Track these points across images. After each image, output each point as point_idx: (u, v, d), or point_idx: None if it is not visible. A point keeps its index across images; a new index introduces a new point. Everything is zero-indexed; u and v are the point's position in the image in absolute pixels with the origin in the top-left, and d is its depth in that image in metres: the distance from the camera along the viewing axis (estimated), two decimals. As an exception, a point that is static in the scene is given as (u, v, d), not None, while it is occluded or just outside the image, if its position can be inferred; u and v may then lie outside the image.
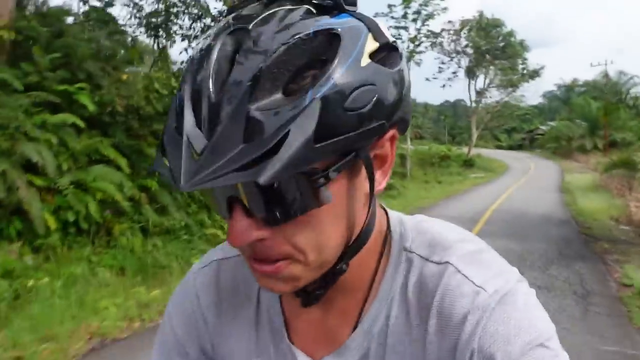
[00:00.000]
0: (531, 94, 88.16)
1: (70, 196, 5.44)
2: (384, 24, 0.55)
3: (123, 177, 6.04)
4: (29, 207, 5.01)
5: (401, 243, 0.65)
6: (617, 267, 6.32)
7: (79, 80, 6.36)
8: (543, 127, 51.29)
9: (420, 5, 20.99)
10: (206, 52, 0.51)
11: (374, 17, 0.56)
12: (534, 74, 30.46)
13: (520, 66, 29.90)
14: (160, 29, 10.04)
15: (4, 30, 5.91)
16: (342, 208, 0.54)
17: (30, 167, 5.23)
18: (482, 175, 25.43)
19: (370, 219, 0.61)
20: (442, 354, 0.59)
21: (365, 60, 0.51)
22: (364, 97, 0.49)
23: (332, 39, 0.49)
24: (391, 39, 0.55)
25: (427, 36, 21.47)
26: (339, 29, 0.50)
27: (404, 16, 21.41)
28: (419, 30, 21.84)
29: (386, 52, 0.54)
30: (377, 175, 0.57)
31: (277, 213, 0.50)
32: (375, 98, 0.50)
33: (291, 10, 0.51)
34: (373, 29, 0.54)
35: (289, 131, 0.45)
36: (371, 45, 0.52)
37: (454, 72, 29.56)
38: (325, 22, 0.51)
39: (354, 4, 0.54)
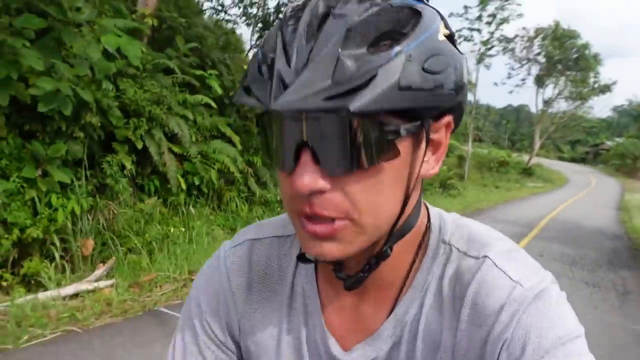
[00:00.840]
0: (600, 107, 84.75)
1: (198, 164, 6.58)
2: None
3: (236, 152, 7.15)
4: (168, 170, 6.17)
5: (440, 236, 0.66)
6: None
7: (206, 66, 7.55)
8: (609, 143, 49.88)
9: (497, 8, 21.08)
10: (299, 10, 0.54)
11: (449, 17, 0.57)
12: (606, 88, 29.92)
13: (592, 79, 29.49)
14: (258, 18, 11.10)
15: (149, 17, 7.08)
16: (402, 174, 0.56)
17: (170, 137, 6.40)
18: (540, 185, 25.54)
19: (417, 206, 0.63)
20: (472, 343, 0.59)
21: (441, 36, 0.54)
22: (440, 64, 0.52)
23: (414, 13, 0.53)
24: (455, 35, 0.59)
25: (499, 40, 21.53)
26: (421, 8, 0.54)
27: (479, 18, 21.53)
28: (492, 33, 21.96)
29: (452, 40, 0.57)
30: (431, 159, 0.60)
31: (346, 162, 0.51)
32: (447, 67, 0.53)
33: None
34: (444, 19, 0.58)
35: (376, 74, 0.48)
36: (443, 29, 0.56)
37: (523, 79, 29.96)
38: (409, 1, 0.54)
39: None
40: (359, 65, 0.48)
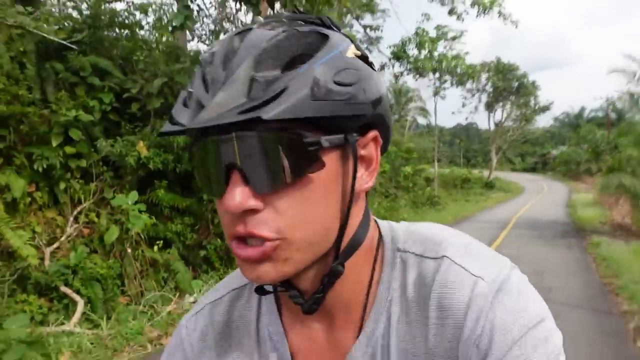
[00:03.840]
0: (544, 119, 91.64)
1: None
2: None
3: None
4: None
5: (394, 245, 0.66)
6: (590, 239, 11.35)
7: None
8: (554, 152, 54.23)
9: (445, 48, 24.28)
10: (214, 48, 0.57)
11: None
12: (545, 108, 35.74)
13: (532, 102, 35.05)
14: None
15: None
16: (332, 188, 0.56)
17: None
18: (502, 195, 29.26)
19: (364, 220, 0.63)
20: (445, 344, 0.60)
21: (350, 54, 0.57)
22: (350, 77, 0.54)
23: (322, 37, 0.56)
24: (369, 57, 0.61)
25: (451, 75, 24.78)
26: (329, 32, 0.57)
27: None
28: (444, 71, 25.64)
29: (365, 60, 0.59)
30: (364, 174, 0.61)
31: (273, 178, 0.52)
32: (359, 80, 0.55)
33: (291, 19, 0.59)
34: (355, 42, 0.60)
35: (287, 86, 0.50)
36: (353, 50, 0.58)
37: (475, 107, 34.92)
38: (318, 27, 0.58)
39: (339, 29, 0.61)
40: (272, 83, 0.51)
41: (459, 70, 18.55)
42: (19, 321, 4.12)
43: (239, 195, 0.52)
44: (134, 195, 5.91)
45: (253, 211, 0.53)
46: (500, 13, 14.71)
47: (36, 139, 6.26)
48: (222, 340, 0.73)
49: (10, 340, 3.74)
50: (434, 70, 17.14)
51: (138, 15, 8.38)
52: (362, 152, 0.60)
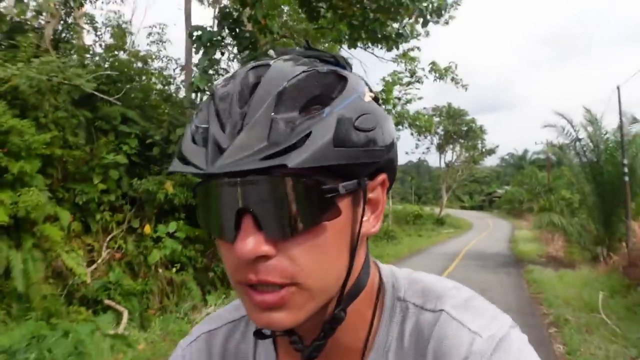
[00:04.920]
0: (491, 159, 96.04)
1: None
2: None
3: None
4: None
5: (394, 293, 0.65)
6: (526, 268, 13.22)
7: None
8: (500, 191, 55.93)
9: (400, 92, 26.15)
10: (228, 81, 0.55)
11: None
12: (491, 151, 38.80)
13: (480, 145, 37.96)
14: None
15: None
16: (345, 233, 0.56)
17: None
18: (452, 231, 31.28)
19: (365, 265, 0.63)
20: None
21: (367, 98, 0.57)
22: (369, 122, 0.54)
23: (340, 78, 0.56)
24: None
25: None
26: (346, 74, 0.57)
27: (386, 101, 26.67)
28: (393, 106, 27.31)
29: (377, 102, 0.60)
30: (371, 218, 0.60)
31: (289, 224, 0.51)
32: (376, 125, 0.55)
33: (306, 57, 0.59)
34: (367, 84, 0.60)
35: (311, 132, 0.49)
36: (368, 92, 0.58)
37: (427, 148, 37.48)
38: (335, 67, 0.57)
39: (351, 68, 0.62)
40: (292, 126, 0.49)
41: (417, 123, 20.67)
42: (105, 320, 5.42)
43: (251, 242, 0.50)
44: (173, 225, 7.28)
45: (264, 257, 0.52)
46: (453, 79, 17.13)
47: (78, 177, 7.59)
48: None
49: (104, 334, 5.06)
50: (397, 124, 18.88)
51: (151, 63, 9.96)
52: (370, 195, 0.59)
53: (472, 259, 15.72)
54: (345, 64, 0.61)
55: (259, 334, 0.64)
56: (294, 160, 0.48)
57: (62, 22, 10.13)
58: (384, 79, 17.26)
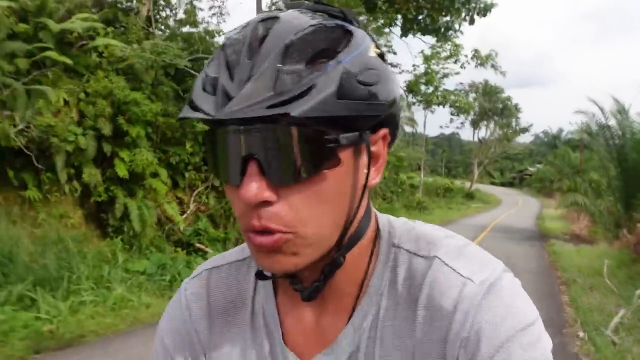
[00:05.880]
0: (524, 136, 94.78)
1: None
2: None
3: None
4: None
5: (390, 240, 0.67)
6: (549, 242, 14.43)
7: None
8: (531, 169, 55.47)
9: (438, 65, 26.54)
10: (238, 34, 0.57)
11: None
12: (525, 130, 39.27)
13: (514, 123, 38.47)
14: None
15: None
16: (345, 184, 0.57)
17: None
18: (481, 205, 31.72)
19: (366, 214, 0.65)
20: (431, 345, 0.60)
21: (372, 53, 0.58)
22: (372, 77, 0.55)
23: (346, 32, 0.56)
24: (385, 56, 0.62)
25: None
26: (353, 29, 0.58)
27: (426, 74, 26.92)
28: (436, 87, 27.93)
29: (383, 58, 0.60)
30: (372, 170, 0.61)
31: (291, 172, 0.53)
32: (379, 80, 0.56)
33: (315, 10, 0.59)
34: (374, 40, 0.61)
35: (315, 84, 0.51)
36: (374, 48, 0.59)
37: (462, 122, 38.11)
38: (341, 22, 0.58)
39: (359, 24, 0.62)
40: (298, 78, 0.51)
41: (457, 105, 21.30)
42: (198, 260, 6.94)
43: (255, 187, 0.52)
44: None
45: (267, 203, 0.54)
46: (492, 66, 17.99)
47: (173, 141, 9.10)
48: (217, 309, 0.74)
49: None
50: (439, 104, 19.44)
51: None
52: (372, 148, 0.60)
53: (499, 232, 16.93)
54: (352, 19, 0.61)
55: (260, 275, 0.68)
56: (297, 109, 0.49)
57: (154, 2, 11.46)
58: (422, 52, 17.94)
